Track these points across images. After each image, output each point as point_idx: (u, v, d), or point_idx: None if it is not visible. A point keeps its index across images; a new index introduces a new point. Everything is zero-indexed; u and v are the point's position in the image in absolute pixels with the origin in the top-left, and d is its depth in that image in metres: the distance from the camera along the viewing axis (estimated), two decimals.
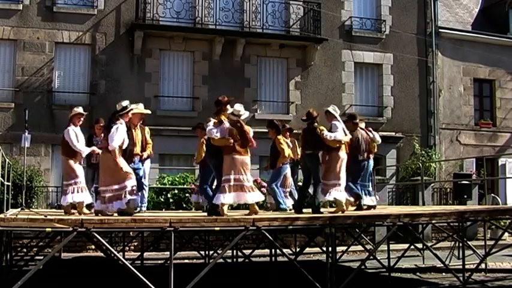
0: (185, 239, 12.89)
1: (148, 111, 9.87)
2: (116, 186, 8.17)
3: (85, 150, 9.40)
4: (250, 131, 8.74)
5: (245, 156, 8.59)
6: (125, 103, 8.72)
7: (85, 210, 9.47)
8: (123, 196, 8.11)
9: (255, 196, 8.60)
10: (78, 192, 9.21)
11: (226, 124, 8.65)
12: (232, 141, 8.47)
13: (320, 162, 9.74)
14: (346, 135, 9.87)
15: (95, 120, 10.70)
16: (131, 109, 8.77)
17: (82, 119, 9.71)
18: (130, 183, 8.21)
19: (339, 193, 9.68)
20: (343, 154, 9.78)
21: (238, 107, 8.85)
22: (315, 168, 9.78)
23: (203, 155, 10.19)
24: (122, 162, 8.27)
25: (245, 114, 8.84)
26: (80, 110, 9.74)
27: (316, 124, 9.88)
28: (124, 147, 8.45)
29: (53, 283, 9.95)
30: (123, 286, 8.72)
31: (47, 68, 17.54)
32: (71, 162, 9.27)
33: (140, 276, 7.22)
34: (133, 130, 9.22)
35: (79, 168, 9.38)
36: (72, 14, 17.85)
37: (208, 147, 9.25)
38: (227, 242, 12.30)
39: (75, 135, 9.31)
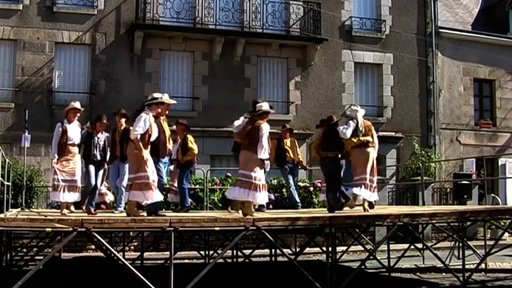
0: (185, 239, 12.89)
1: (175, 102, 9.51)
2: (140, 174, 8.07)
3: (54, 153, 9.21)
4: (262, 130, 8.55)
5: (253, 153, 8.48)
6: (157, 95, 8.57)
7: (72, 208, 9.43)
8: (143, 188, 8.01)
9: (260, 197, 8.51)
10: (66, 191, 9.12)
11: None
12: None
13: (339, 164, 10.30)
14: (365, 133, 9.99)
15: (97, 116, 10.33)
16: (161, 102, 8.53)
17: (78, 114, 9.51)
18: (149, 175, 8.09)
19: (359, 190, 9.85)
20: (367, 149, 9.92)
21: (262, 103, 8.90)
22: (336, 170, 10.13)
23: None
24: (145, 153, 8.11)
25: (264, 107, 8.78)
26: (76, 104, 9.53)
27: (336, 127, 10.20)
28: (152, 139, 8.30)
29: (53, 283, 9.95)
30: (123, 286, 8.72)
31: (47, 68, 17.54)
32: (60, 161, 9.19)
33: (140, 276, 7.22)
34: (161, 122, 8.96)
35: (66, 165, 9.23)
36: (72, 14, 17.84)
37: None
38: (227, 242, 12.30)
39: (62, 131, 9.16)
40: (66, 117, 9.41)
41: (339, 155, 10.21)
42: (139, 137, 8.05)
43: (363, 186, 9.82)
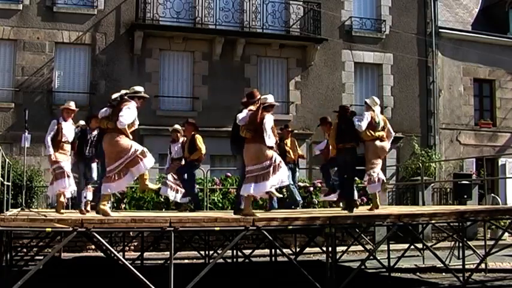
0: (185, 239, 12.89)
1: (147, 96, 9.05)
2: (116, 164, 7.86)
3: (49, 148, 9.29)
4: (265, 119, 8.35)
5: (261, 144, 8.27)
6: (139, 88, 8.42)
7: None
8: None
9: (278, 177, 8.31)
10: (61, 178, 9.22)
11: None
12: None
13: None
14: (378, 126, 9.96)
15: (92, 114, 10.36)
16: (143, 96, 8.36)
17: (72, 115, 9.72)
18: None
19: (372, 187, 10.02)
20: (380, 143, 9.95)
21: (267, 95, 8.84)
22: (352, 161, 9.87)
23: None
24: (127, 140, 7.91)
25: (269, 100, 8.62)
26: (71, 105, 9.70)
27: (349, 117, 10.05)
28: (134, 129, 8.15)
29: (53, 283, 9.95)
30: (123, 286, 8.72)
31: (47, 68, 17.54)
32: (56, 154, 9.32)
33: (140, 276, 7.22)
34: None
35: (62, 158, 9.35)
36: (72, 14, 17.85)
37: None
38: (227, 242, 12.30)
39: (58, 129, 9.35)
40: (62, 116, 9.61)
41: (356, 147, 9.96)
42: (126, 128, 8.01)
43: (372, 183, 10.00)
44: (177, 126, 12.03)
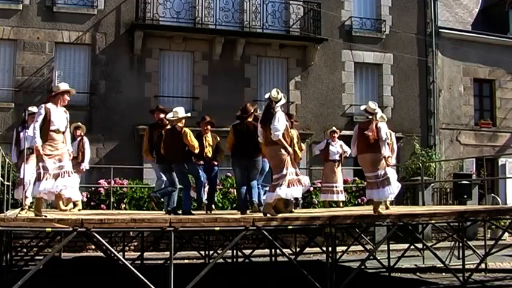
0: (185, 239, 12.89)
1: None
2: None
3: (36, 138, 7.58)
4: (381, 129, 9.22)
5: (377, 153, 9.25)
6: (281, 95, 9.02)
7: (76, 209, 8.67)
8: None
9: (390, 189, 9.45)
10: (46, 179, 7.54)
11: None
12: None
13: None
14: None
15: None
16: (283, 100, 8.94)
17: (69, 99, 8.08)
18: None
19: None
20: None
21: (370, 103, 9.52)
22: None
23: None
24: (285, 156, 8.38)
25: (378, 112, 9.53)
26: (66, 86, 8.06)
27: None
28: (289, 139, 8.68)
29: (53, 283, 9.95)
30: (123, 286, 8.72)
31: (47, 68, 17.54)
32: (44, 147, 7.66)
33: (140, 276, 7.22)
34: None
35: (50, 152, 7.70)
36: (72, 14, 17.85)
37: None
38: (227, 242, 12.30)
39: (46, 114, 7.68)
40: (53, 100, 7.92)
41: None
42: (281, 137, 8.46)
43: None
44: (79, 123, 11.52)
